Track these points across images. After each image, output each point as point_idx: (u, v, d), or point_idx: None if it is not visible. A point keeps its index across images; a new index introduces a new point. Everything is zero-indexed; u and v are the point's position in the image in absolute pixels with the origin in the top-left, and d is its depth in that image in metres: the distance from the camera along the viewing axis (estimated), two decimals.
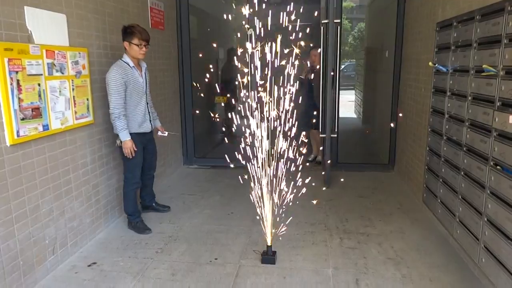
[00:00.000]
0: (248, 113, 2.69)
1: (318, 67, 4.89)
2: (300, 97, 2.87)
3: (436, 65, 3.29)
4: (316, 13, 4.37)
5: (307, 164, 5.30)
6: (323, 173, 4.65)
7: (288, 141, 2.73)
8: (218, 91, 2.85)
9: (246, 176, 2.83)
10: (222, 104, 5.71)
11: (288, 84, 2.63)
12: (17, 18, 2.42)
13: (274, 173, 2.72)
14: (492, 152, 2.34)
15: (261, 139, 2.67)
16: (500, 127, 2.26)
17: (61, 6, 2.82)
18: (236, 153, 2.85)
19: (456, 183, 2.89)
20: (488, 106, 2.42)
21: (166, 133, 3.68)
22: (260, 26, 2.48)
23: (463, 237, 2.76)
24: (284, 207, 2.88)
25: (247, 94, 2.66)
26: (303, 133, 2.99)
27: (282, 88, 2.65)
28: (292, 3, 2.48)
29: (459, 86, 2.86)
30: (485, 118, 2.45)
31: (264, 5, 2.55)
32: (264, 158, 2.69)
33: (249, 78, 2.69)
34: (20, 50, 2.42)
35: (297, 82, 2.73)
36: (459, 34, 2.91)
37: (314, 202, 3.66)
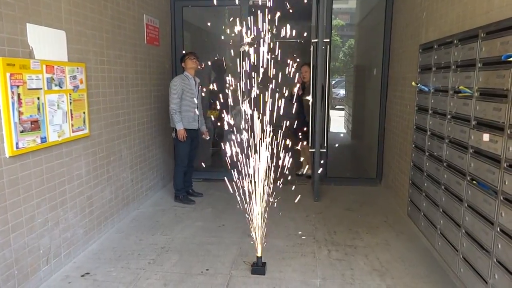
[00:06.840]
0: (242, 125, 2.83)
1: (307, 82, 5.05)
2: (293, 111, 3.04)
3: (419, 84, 3.46)
4: (305, 34, 4.57)
5: (297, 177, 5.44)
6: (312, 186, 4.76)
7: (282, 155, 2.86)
8: (217, 104, 3.00)
9: (236, 190, 2.93)
10: (213, 118, 5.83)
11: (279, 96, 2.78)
12: (20, 34, 2.52)
13: (266, 186, 2.83)
14: (469, 167, 2.49)
15: (254, 154, 2.78)
16: (475, 145, 2.41)
17: (61, 23, 2.94)
18: (228, 165, 2.96)
19: (437, 197, 3.03)
20: (465, 124, 2.58)
21: (209, 137, 4.60)
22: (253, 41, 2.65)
23: (444, 249, 2.88)
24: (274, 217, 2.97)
25: (239, 107, 2.82)
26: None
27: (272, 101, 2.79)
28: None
29: (440, 105, 3.03)
30: (462, 136, 2.61)
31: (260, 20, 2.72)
32: (256, 171, 2.80)
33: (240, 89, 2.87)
34: (22, 65, 2.52)
35: (290, 96, 2.88)
36: (439, 57, 3.09)
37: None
